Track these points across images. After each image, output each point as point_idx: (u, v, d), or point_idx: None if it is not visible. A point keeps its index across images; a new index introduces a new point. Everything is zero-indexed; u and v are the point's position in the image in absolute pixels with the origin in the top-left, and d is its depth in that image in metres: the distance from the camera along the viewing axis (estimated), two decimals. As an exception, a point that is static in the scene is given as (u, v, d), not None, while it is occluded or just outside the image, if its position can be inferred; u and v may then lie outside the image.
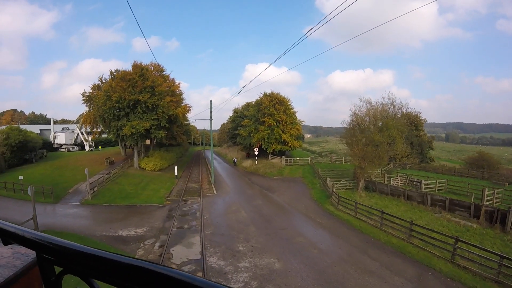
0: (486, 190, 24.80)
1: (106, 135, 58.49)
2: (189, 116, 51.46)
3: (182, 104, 45.99)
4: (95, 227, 20.52)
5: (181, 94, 47.11)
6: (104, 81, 46.79)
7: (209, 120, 37.82)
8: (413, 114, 55.37)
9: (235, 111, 71.90)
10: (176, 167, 41.56)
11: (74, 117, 65.79)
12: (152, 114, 38.96)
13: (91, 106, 49.25)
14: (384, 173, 35.65)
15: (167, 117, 40.07)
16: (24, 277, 0.99)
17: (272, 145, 48.20)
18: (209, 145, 55.56)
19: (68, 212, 24.35)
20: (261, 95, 51.35)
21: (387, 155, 30.88)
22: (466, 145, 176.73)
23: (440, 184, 30.74)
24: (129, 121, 38.41)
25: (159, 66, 44.34)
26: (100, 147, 65.21)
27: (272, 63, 16.01)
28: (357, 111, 30.52)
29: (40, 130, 68.34)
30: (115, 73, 42.36)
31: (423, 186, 29.52)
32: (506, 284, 12.45)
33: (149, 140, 47.49)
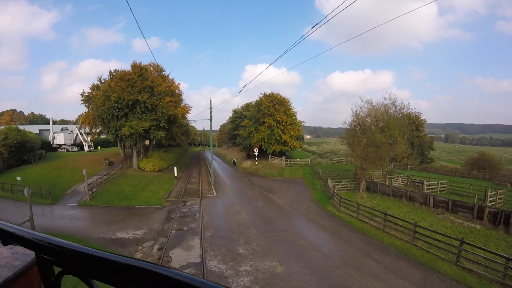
0: (489, 191, 24.59)
1: (105, 136, 58.20)
2: (189, 116, 51.24)
3: (182, 105, 45.67)
4: (92, 229, 20.16)
5: (180, 95, 46.79)
6: (103, 81, 46.48)
7: (209, 121, 37.52)
8: (414, 114, 55.11)
9: (235, 111, 71.59)
10: (175, 168, 41.25)
11: (73, 118, 65.59)
12: (151, 115, 38.63)
13: (90, 106, 48.92)
14: (385, 174, 35.36)
15: (166, 117, 39.72)
16: (24, 277, 0.99)
17: (272, 145, 47.89)
18: (209, 146, 55.27)
19: (66, 214, 23.98)
20: (261, 96, 51.09)
21: (389, 155, 30.60)
22: (466, 146, 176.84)
23: (442, 185, 30.45)
24: (128, 122, 38.06)
25: (158, 66, 44.01)
26: (99, 147, 64.89)
27: (272, 63, 15.76)
28: (358, 111, 30.25)
29: (39, 130, 68.09)
30: (114, 73, 42.06)
31: (425, 187, 29.25)
32: (513, 287, 12.18)
33: (148, 140, 47.16)
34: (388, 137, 28.50)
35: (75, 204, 26.79)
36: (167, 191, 32.63)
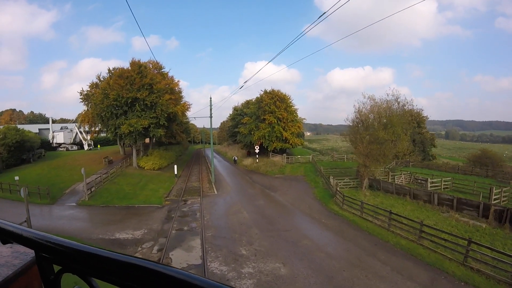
0: (494, 188, 24.25)
1: (104, 134, 57.86)
2: (189, 114, 50.80)
3: (182, 102, 45.19)
4: (91, 229, 19.76)
5: (180, 92, 46.28)
6: (102, 79, 46.05)
7: (209, 118, 37.10)
8: (415, 111, 54.73)
9: (235, 109, 71.18)
10: (175, 166, 40.87)
11: (73, 117, 65.25)
12: (151, 112, 38.18)
13: (89, 104, 48.49)
14: (388, 171, 34.97)
15: (166, 115, 39.26)
16: (23, 276, 0.99)
17: (273, 143, 47.57)
18: (209, 143, 54.91)
19: (64, 214, 23.58)
20: (262, 93, 50.69)
21: (392, 153, 30.21)
22: (466, 143, 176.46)
23: (446, 183, 30.08)
24: (127, 119, 37.63)
25: (157, 63, 43.45)
26: (99, 146, 64.59)
27: (271, 60, 15.46)
28: (361, 107, 29.80)
29: (39, 129, 67.90)
30: (113, 71, 41.60)
31: (429, 185, 28.87)
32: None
33: (148, 138, 46.80)
34: (391, 134, 28.09)
35: (74, 204, 26.39)
36: (167, 189, 32.24)
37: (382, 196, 27.11)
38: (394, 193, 27.21)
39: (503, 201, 24.10)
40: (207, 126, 51.16)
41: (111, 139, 56.63)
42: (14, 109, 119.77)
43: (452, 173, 38.95)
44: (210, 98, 36.22)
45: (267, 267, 13.70)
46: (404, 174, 34.36)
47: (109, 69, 42.51)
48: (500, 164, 44.11)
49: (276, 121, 46.75)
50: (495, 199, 23.49)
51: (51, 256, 0.87)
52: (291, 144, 48.89)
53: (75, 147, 62.00)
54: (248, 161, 50.01)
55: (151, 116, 38.11)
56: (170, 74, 44.89)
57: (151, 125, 38.51)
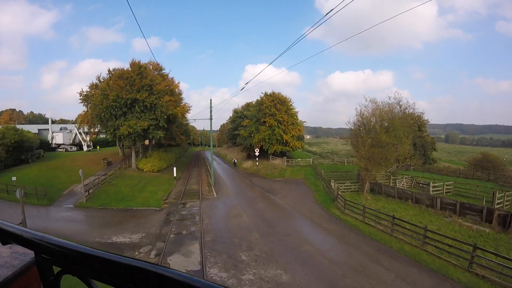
0: (497, 193, 23.97)
1: (104, 135, 57.52)
2: (189, 116, 50.44)
3: (182, 104, 44.90)
4: (88, 232, 19.40)
5: (180, 94, 45.97)
6: (102, 80, 45.75)
7: (209, 120, 36.82)
8: (416, 114, 54.49)
9: (235, 111, 70.90)
10: (175, 168, 40.55)
11: (73, 117, 64.90)
12: (150, 114, 37.86)
13: (89, 105, 48.19)
14: (389, 175, 34.65)
15: (165, 116, 38.93)
16: (23, 276, 0.99)
17: (273, 145, 47.26)
18: (209, 146, 54.61)
19: (61, 216, 23.23)
20: (262, 95, 50.44)
21: (394, 156, 29.91)
22: (466, 146, 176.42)
23: (448, 187, 29.76)
24: (126, 121, 37.29)
25: (158, 64, 43.17)
26: (98, 147, 64.21)
27: (272, 62, 15.28)
28: (363, 110, 29.53)
29: (39, 130, 67.59)
30: (113, 72, 41.33)
31: (431, 189, 28.55)
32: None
33: (147, 140, 46.46)
34: (393, 137, 27.80)
35: (71, 206, 26.02)
36: (166, 192, 31.88)
37: (384, 200, 26.79)
38: (396, 197, 26.89)
39: (506, 205, 23.81)
40: (207, 128, 50.93)
41: (110, 140, 56.29)
42: (14, 109, 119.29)
43: (454, 177, 38.61)
44: (210, 100, 36.00)
45: (268, 274, 13.33)
46: (405, 178, 34.05)
47: (109, 70, 42.22)
48: (501, 168, 43.77)
49: (276, 124, 46.46)
50: (498, 204, 23.25)
51: (51, 257, 0.86)
52: (291, 147, 48.58)
53: (74, 148, 61.61)
54: (248, 163, 49.67)
55: (150, 117, 37.78)
56: (170, 76, 44.65)
57: (151, 127, 38.15)
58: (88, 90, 48.38)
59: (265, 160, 48.54)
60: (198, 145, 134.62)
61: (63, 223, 21.19)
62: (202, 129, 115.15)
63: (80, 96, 48.69)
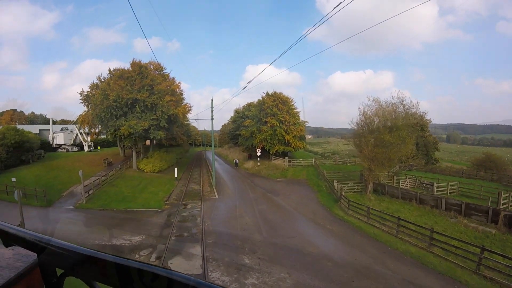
0: (502, 193, 23.64)
1: (105, 136, 57.32)
2: (190, 116, 50.19)
3: (182, 104, 44.63)
4: (87, 234, 19.10)
5: (181, 94, 45.65)
6: (102, 80, 45.52)
7: (210, 120, 36.56)
8: (419, 114, 54.15)
9: (237, 111, 70.60)
10: (176, 169, 40.22)
11: (74, 118, 64.73)
12: (151, 114, 37.61)
13: (89, 105, 47.98)
14: (392, 175, 34.30)
15: (166, 117, 38.67)
16: (25, 278, 0.97)
17: (275, 146, 46.96)
18: (210, 146, 54.34)
19: (61, 217, 22.98)
20: (263, 95, 50.17)
21: (397, 156, 29.59)
22: (468, 146, 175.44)
23: (452, 187, 29.41)
24: (127, 121, 37.06)
25: (159, 64, 42.92)
26: (99, 147, 63.98)
27: (273, 61, 15.21)
28: (366, 110, 29.22)
29: (40, 130, 67.36)
30: (113, 72, 41.10)
31: (435, 189, 28.20)
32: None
33: (148, 140, 46.24)
34: (397, 137, 27.48)
35: (71, 207, 25.74)
36: (167, 193, 31.55)
37: (388, 201, 26.45)
38: (400, 198, 26.54)
39: (511, 206, 23.44)
40: (208, 128, 50.75)
41: (111, 140, 56.10)
42: (15, 110, 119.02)
43: (457, 177, 38.28)
44: (212, 99, 35.74)
45: (272, 278, 12.97)
46: (409, 178, 33.69)
47: (110, 70, 41.99)
48: (504, 168, 43.43)
49: (278, 124, 46.16)
50: (503, 204, 22.94)
51: (54, 260, 0.86)
52: (293, 147, 48.30)
53: (75, 149, 61.35)
54: (249, 164, 49.42)
55: (151, 117, 37.53)
56: (171, 76, 44.42)
57: (152, 127, 37.90)
58: (89, 90, 48.20)
59: (267, 161, 48.26)
60: (200, 145, 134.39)
61: (62, 225, 20.94)
62: (204, 129, 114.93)
63: (81, 96, 48.51)
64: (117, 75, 38.13)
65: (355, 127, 30.24)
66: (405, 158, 44.71)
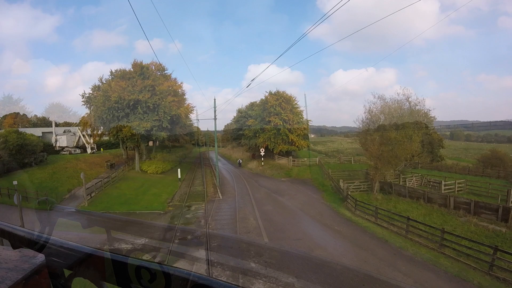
0: (511, 190, 23.16)
1: (107, 137, 57.22)
2: (192, 116, 49.92)
3: (185, 104, 44.31)
4: (88, 237, 18.75)
5: (183, 94, 45.37)
6: (104, 81, 45.27)
7: (213, 121, 36.24)
8: (423, 111, 53.63)
9: (239, 111, 70.03)
10: (179, 169, 39.88)
11: (77, 120, 64.70)
12: (153, 115, 37.31)
13: (91, 107, 47.75)
14: (398, 173, 33.77)
15: (169, 117, 38.37)
16: (33, 280, 0.98)
17: (279, 145, 46.49)
18: (213, 146, 54.00)
19: (62, 221, 22.61)
20: (267, 94, 49.74)
21: (404, 154, 29.11)
22: (472, 143, 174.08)
23: (459, 185, 28.85)
24: (129, 122, 36.81)
25: (160, 65, 42.57)
26: (102, 149, 63.83)
27: (275, 60, 14.99)
28: (371, 107, 28.80)
29: (42, 133, 67.18)
30: (115, 73, 40.85)
31: (443, 187, 27.65)
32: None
33: (151, 141, 45.98)
34: (403, 135, 27.03)
35: (73, 210, 25.27)
36: (170, 194, 31.22)
37: (395, 200, 25.93)
38: (407, 197, 26.02)
39: (520, 203, 23.00)
40: (211, 128, 50.38)
41: (113, 142, 55.93)
42: (18, 113, 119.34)
43: (463, 174, 37.65)
44: (214, 99, 35.53)
45: (280, 283, 12.53)
46: (415, 176, 33.13)
47: (111, 71, 41.72)
48: (510, 165, 42.76)
49: (281, 123, 45.73)
50: (512, 202, 22.43)
51: (61, 261, 0.88)
52: (297, 146, 47.83)
53: (78, 151, 61.19)
54: (253, 164, 49.08)
55: (153, 118, 37.24)
56: (173, 76, 44.13)
57: (154, 128, 37.62)
58: (91, 92, 47.93)
59: (271, 160, 47.84)
60: (203, 145, 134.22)
61: (62, 228, 20.51)
62: (206, 129, 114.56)
63: (82, 98, 48.28)
64: (119, 76, 37.95)
65: (360, 125, 29.85)
66: (410, 156, 44.30)
